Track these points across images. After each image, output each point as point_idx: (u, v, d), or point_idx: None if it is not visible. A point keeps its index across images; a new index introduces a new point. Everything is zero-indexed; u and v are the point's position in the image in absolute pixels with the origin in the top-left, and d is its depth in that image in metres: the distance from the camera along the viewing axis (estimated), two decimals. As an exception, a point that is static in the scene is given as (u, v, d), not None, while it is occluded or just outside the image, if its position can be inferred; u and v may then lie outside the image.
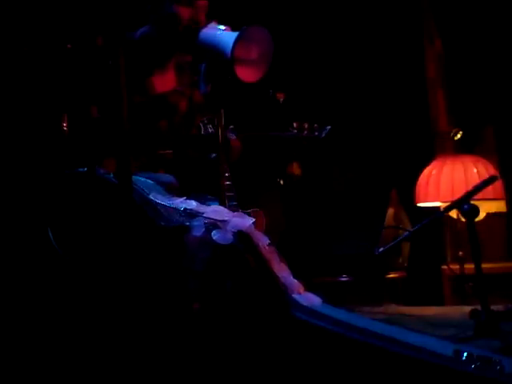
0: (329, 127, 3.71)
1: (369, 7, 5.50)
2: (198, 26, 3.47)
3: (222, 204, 3.31)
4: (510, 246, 5.54)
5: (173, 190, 3.24)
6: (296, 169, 5.52)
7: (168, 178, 3.46)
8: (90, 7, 3.42)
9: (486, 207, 4.89)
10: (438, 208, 5.03)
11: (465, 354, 2.55)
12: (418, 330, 3.03)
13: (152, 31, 3.57)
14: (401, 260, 5.38)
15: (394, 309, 4.74)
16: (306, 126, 3.71)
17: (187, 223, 2.92)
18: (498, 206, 5.18)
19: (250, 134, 3.70)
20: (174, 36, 3.55)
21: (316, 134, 3.70)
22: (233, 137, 3.62)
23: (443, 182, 5.00)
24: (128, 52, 2.76)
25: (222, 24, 3.51)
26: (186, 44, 3.56)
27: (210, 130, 3.67)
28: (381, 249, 3.54)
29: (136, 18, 3.51)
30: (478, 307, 3.28)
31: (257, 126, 3.79)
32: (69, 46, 3.38)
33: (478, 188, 3.58)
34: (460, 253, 5.01)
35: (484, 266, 3.39)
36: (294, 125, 3.72)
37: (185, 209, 3.00)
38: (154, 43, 3.54)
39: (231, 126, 3.65)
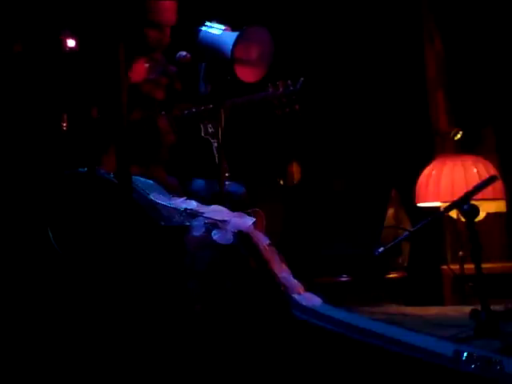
0: (302, 79, 3.70)
1: (369, 7, 5.50)
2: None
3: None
4: (510, 246, 5.53)
5: (174, 192, 3.25)
6: (296, 171, 5.52)
7: (171, 179, 3.47)
8: (90, 5, 3.43)
9: (486, 207, 4.89)
10: (438, 208, 5.03)
11: (465, 354, 2.55)
12: (418, 330, 3.03)
13: None
14: (401, 260, 5.38)
15: (394, 309, 4.73)
16: (280, 83, 3.70)
17: (187, 223, 2.92)
18: (498, 206, 5.17)
19: (228, 101, 3.68)
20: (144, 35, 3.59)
21: (291, 88, 3.69)
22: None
23: (443, 182, 5.00)
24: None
25: (222, 24, 3.51)
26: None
27: (210, 130, 3.67)
28: (381, 249, 3.54)
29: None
30: (478, 307, 3.28)
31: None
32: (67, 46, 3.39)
33: (478, 188, 3.58)
34: (460, 253, 5.00)
35: (484, 266, 3.39)
36: (269, 85, 3.71)
37: (185, 209, 3.00)
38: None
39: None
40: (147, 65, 3.67)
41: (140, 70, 3.64)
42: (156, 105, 3.66)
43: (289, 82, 3.67)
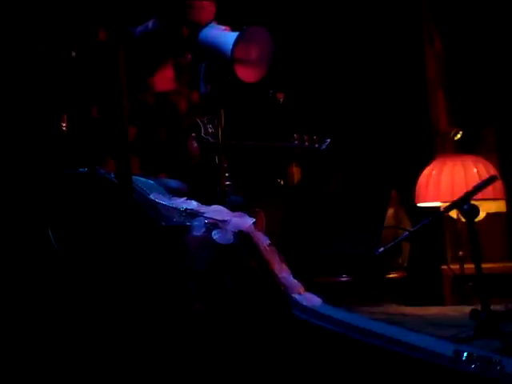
0: (328, 140, 3.74)
1: (369, 8, 5.50)
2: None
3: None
4: (510, 246, 5.54)
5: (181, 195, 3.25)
6: (296, 171, 5.52)
7: (176, 183, 3.47)
8: (90, 3, 3.42)
9: (486, 207, 4.89)
10: (438, 208, 5.03)
11: (465, 354, 2.56)
12: (418, 330, 3.03)
13: (156, 27, 3.59)
14: (401, 260, 5.38)
15: (394, 309, 4.73)
16: (306, 138, 3.76)
17: (188, 223, 2.92)
18: (498, 206, 5.18)
19: (251, 143, 3.73)
20: (179, 33, 3.56)
21: (316, 146, 3.74)
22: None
23: (443, 182, 5.00)
24: (129, 48, 2.77)
25: (222, 24, 3.51)
26: (188, 43, 3.58)
27: (210, 130, 3.68)
28: (381, 249, 3.54)
29: (138, 14, 3.52)
30: (478, 307, 3.28)
31: (257, 130, 3.82)
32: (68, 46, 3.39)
33: (478, 188, 3.58)
34: (460, 253, 5.01)
35: (484, 266, 3.39)
36: (295, 136, 3.77)
37: (185, 209, 3.00)
38: (157, 39, 3.55)
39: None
40: (174, 73, 3.65)
41: (167, 77, 3.62)
42: (180, 116, 3.65)
43: (315, 137, 3.72)
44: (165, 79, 3.62)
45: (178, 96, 3.66)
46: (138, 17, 3.54)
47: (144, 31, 3.57)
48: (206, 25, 3.51)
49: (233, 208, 3.21)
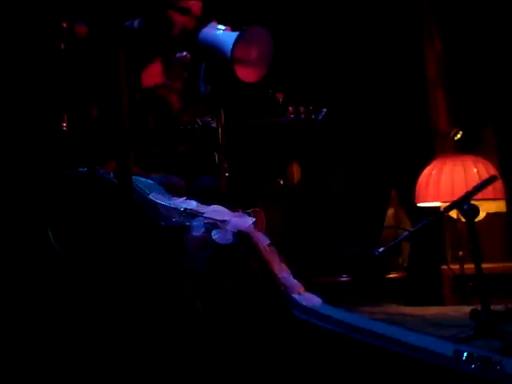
0: (325, 109, 3.71)
1: (369, 7, 5.50)
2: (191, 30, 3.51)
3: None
4: (510, 246, 5.54)
5: (179, 192, 3.24)
6: (296, 171, 5.52)
7: (175, 179, 3.46)
8: (89, 2, 3.42)
9: (486, 207, 4.89)
10: (438, 208, 5.03)
11: (465, 354, 2.56)
12: (418, 330, 3.03)
13: (142, 27, 3.59)
14: (401, 260, 5.37)
15: (394, 309, 4.73)
16: (302, 109, 3.71)
17: (187, 223, 2.92)
18: (498, 206, 5.18)
19: (248, 121, 3.70)
20: (165, 35, 3.56)
21: (313, 117, 3.70)
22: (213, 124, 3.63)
23: (443, 182, 5.00)
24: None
25: (222, 24, 3.51)
26: (176, 43, 3.58)
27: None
28: (381, 249, 3.53)
29: (126, 11, 3.52)
30: (478, 307, 3.28)
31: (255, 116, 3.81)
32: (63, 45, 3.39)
33: (478, 188, 3.57)
34: (460, 253, 5.01)
35: (484, 266, 3.39)
36: (290, 109, 3.72)
37: (185, 209, 3.00)
38: (143, 37, 3.56)
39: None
40: (163, 67, 3.64)
41: (155, 72, 3.61)
42: (172, 112, 3.64)
43: (311, 108, 3.69)
44: (152, 74, 3.61)
45: (167, 90, 3.65)
46: (125, 14, 3.53)
47: (130, 27, 3.58)
48: (206, 25, 3.52)
49: (205, 191, 3.21)
